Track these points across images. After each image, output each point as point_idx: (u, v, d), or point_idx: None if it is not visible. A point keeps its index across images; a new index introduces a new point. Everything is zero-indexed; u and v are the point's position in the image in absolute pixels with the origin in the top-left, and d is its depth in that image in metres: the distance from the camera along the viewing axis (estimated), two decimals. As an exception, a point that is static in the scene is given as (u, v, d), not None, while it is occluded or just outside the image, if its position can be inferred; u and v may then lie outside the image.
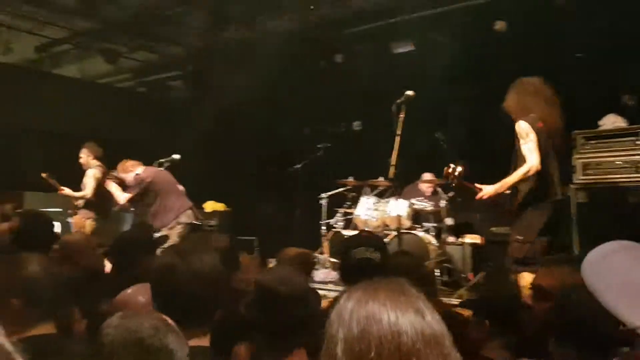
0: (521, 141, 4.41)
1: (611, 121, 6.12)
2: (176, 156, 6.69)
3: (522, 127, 4.40)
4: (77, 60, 11.24)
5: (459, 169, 4.56)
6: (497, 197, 4.57)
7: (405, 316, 1.16)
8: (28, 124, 9.76)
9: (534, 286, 2.10)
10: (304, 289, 2.11)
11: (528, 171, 4.35)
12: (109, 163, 7.27)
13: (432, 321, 1.18)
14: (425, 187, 8.05)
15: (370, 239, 3.04)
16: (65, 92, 10.18)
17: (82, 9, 8.22)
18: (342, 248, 2.89)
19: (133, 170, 6.67)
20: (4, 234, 3.78)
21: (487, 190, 4.54)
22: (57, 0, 8.14)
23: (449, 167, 4.69)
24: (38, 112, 9.85)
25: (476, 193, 4.61)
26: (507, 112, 4.62)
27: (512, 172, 4.48)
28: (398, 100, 5.08)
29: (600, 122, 6.19)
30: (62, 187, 7.33)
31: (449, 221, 7.60)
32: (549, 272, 2.07)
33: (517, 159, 4.51)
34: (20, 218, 4.07)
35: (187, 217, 6.69)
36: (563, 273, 1.99)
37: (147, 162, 6.93)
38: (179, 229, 6.51)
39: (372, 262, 2.74)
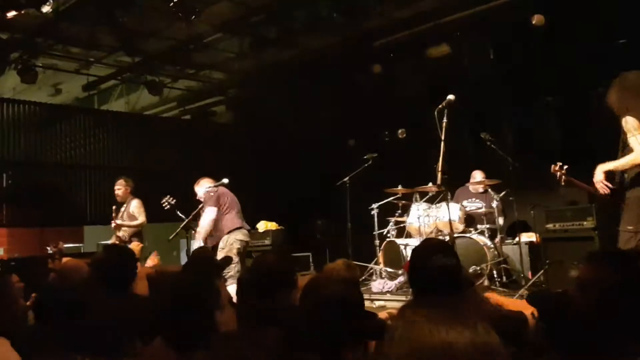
0: (628, 134, 4.44)
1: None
2: (225, 180, 6.80)
3: (630, 122, 4.43)
4: (124, 94, 11.64)
5: (566, 166, 4.52)
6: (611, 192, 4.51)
7: (455, 328, 1.17)
8: (82, 160, 10.06)
9: (576, 280, 2.04)
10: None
11: (636, 159, 4.37)
12: (163, 189, 7.45)
13: (483, 331, 1.19)
14: (477, 186, 7.96)
15: (441, 244, 2.97)
16: (113, 127, 10.45)
17: (125, 46, 8.48)
18: (416, 259, 2.76)
19: (204, 186, 6.93)
20: (84, 270, 3.85)
21: (597, 176, 4.49)
22: (100, 41, 8.42)
23: (556, 165, 4.65)
24: (89, 148, 10.14)
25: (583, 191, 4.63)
26: (610, 108, 4.59)
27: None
28: (440, 106, 5.05)
29: None
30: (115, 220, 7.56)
31: (500, 221, 7.48)
32: (592, 267, 2.01)
33: (623, 152, 4.52)
34: (105, 253, 4.14)
35: (244, 235, 6.81)
36: (606, 268, 1.94)
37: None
38: (237, 245, 6.63)
39: (450, 269, 2.62)
